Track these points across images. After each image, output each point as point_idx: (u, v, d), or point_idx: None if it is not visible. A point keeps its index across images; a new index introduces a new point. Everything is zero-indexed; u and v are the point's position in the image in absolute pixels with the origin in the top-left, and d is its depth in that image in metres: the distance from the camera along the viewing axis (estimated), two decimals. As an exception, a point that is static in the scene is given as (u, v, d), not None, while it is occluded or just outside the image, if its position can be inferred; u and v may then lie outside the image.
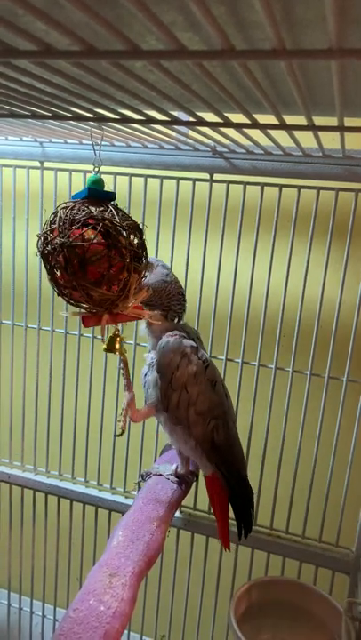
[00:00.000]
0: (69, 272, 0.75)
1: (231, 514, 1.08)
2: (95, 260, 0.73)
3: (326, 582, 1.23)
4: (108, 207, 0.78)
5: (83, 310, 0.81)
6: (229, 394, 1.06)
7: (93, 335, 1.33)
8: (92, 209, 0.76)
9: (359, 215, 1.09)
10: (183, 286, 1.06)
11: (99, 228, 0.74)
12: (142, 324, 1.04)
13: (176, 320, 1.03)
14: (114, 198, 0.82)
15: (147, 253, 0.83)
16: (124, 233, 0.76)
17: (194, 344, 1.00)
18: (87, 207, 0.76)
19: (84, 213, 0.75)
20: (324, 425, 1.18)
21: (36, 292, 1.34)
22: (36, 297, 1.34)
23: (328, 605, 1.08)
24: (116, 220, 0.76)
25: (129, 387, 0.99)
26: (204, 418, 0.98)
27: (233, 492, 1.04)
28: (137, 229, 0.81)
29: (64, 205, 0.78)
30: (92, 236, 0.73)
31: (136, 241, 0.80)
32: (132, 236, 0.79)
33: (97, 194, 0.80)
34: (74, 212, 0.76)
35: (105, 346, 0.86)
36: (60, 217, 0.76)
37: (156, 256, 1.22)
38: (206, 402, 0.98)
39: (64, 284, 0.78)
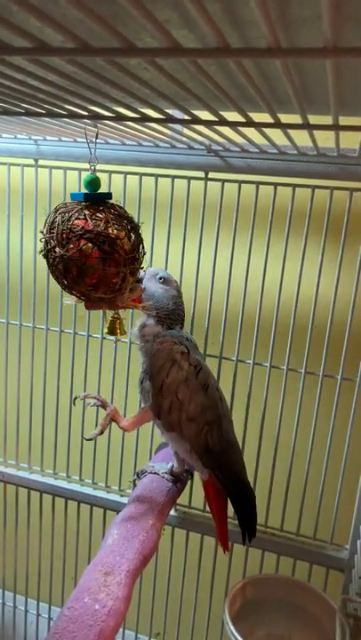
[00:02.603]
0: (69, 279, 0.79)
1: (230, 511, 1.08)
2: (93, 272, 0.77)
3: (321, 580, 1.23)
4: (104, 212, 0.79)
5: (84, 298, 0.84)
6: (225, 397, 1.05)
7: (88, 334, 1.33)
8: (88, 218, 0.78)
9: (354, 214, 1.10)
10: (178, 285, 1.07)
11: (94, 241, 0.77)
12: (135, 328, 1.04)
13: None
14: (110, 198, 0.83)
15: (144, 248, 0.84)
16: (119, 242, 0.78)
17: (185, 349, 0.99)
18: (84, 214, 0.78)
19: (80, 228, 0.77)
20: (319, 423, 1.18)
21: (31, 291, 1.34)
22: (31, 295, 1.34)
23: (322, 602, 1.08)
24: (111, 230, 0.78)
25: (106, 404, 1.03)
26: (196, 423, 0.97)
27: (232, 496, 1.04)
28: (133, 228, 0.81)
29: (62, 209, 0.80)
30: (89, 250, 0.77)
31: (132, 238, 0.81)
32: (128, 238, 0.80)
33: (93, 198, 0.81)
34: (70, 221, 0.78)
35: (107, 330, 0.90)
36: (58, 224, 0.78)
37: (152, 254, 1.22)
38: (198, 407, 0.97)
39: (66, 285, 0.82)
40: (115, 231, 0.78)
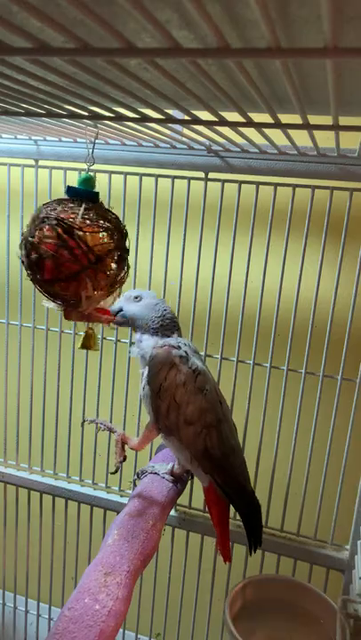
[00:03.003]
0: (27, 265, 0.80)
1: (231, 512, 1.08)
2: (47, 258, 0.78)
3: (321, 580, 1.23)
4: (81, 205, 0.80)
5: (59, 303, 0.85)
6: (225, 400, 1.04)
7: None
8: (60, 209, 0.79)
9: (354, 214, 1.10)
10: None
11: (53, 225, 0.77)
12: (132, 346, 1.05)
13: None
14: (96, 197, 0.84)
15: (125, 255, 0.84)
16: (80, 234, 0.78)
17: (184, 354, 0.98)
18: (57, 205, 0.80)
19: (45, 210, 0.79)
20: (319, 423, 1.18)
21: (31, 291, 1.33)
22: (31, 296, 1.34)
23: (323, 603, 1.08)
24: (74, 220, 0.78)
25: (113, 430, 1.06)
26: (194, 427, 0.97)
27: (234, 503, 1.03)
28: (114, 232, 0.81)
29: (48, 203, 0.82)
30: (50, 236, 0.78)
31: (113, 244, 0.80)
32: (106, 238, 0.79)
33: (75, 193, 0.81)
34: (47, 209, 0.80)
35: (79, 345, 0.91)
36: (35, 212, 0.81)
37: (152, 255, 1.22)
38: (196, 410, 0.96)
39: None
40: (79, 223, 0.78)
